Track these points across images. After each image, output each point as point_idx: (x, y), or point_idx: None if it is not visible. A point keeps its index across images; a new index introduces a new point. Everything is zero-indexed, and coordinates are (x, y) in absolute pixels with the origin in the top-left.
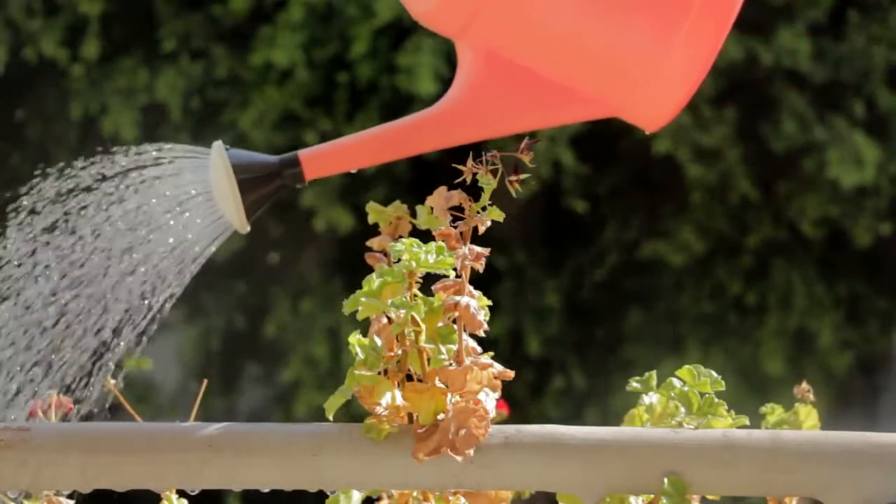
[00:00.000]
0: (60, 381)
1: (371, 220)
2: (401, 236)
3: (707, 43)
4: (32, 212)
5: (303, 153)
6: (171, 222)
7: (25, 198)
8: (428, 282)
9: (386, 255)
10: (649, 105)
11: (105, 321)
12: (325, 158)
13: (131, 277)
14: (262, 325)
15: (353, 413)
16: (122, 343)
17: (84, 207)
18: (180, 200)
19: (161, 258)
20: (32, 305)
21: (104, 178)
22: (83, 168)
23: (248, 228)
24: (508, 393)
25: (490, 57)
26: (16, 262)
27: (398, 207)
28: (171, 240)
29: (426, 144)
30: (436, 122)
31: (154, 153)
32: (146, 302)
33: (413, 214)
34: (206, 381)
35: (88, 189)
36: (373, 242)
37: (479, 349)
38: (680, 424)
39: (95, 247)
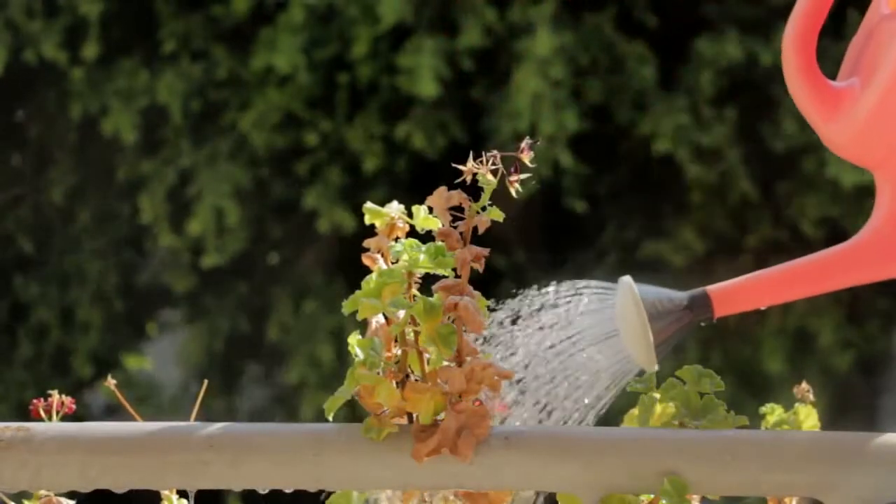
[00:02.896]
0: None
1: (368, 220)
2: (397, 237)
3: None
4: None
5: (712, 290)
6: (579, 360)
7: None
8: (428, 282)
9: (383, 255)
10: None
11: None
12: (736, 296)
13: (543, 413)
14: (265, 327)
15: (357, 414)
16: None
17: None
18: (587, 337)
19: (567, 396)
20: None
21: (520, 318)
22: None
23: (657, 367)
24: None
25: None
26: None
27: (395, 208)
28: (578, 377)
29: (843, 280)
30: (853, 258)
31: (568, 291)
32: None
33: (412, 215)
34: (206, 382)
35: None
36: (369, 243)
37: (479, 349)
38: (680, 424)
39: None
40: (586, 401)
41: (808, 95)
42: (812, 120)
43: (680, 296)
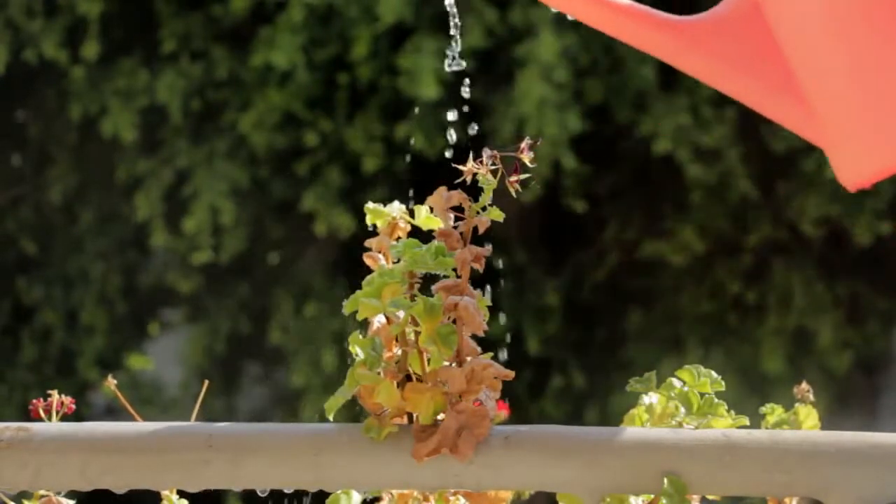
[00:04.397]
0: None
1: (369, 221)
2: (399, 237)
3: None
4: None
5: None
6: None
7: None
8: (428, 282)
9: (384, 255)
10: (855, 159)
11: None
12: None
13: None
14: (266, 328)
15: (359, 415)
16: None
17: None
18: None
19: None
20: None
21: None
22: None
23: None
24: (508, 393)
25: (754, 6)
26: None
27: (397, 208)
28: None
29: (642, 37)
30: (664, 24)
31: None
32: None
33: (412, 214)
34: (206, 382)
35: None
36: (370, 243)
37: (479, 349)
38: (680, 424)
39: None
40: None
41: None
42: None
43: None
